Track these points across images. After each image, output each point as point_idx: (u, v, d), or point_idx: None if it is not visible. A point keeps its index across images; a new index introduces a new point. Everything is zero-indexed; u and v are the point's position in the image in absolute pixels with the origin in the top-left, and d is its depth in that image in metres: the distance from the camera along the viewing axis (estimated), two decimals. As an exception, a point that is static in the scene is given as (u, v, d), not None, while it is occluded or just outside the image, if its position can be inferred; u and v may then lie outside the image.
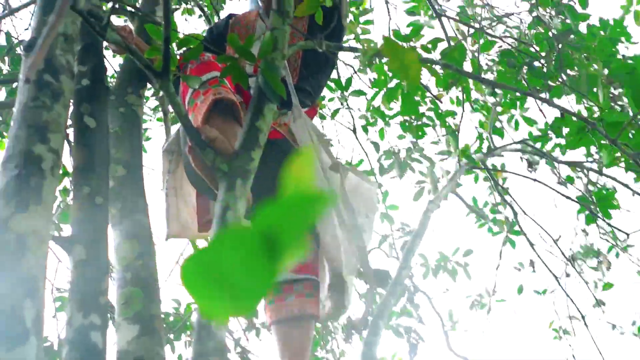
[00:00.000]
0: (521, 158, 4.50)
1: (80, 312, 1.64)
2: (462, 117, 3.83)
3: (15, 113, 1.64)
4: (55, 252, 3.34)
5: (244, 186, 1.70)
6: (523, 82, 3.09)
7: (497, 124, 4.64)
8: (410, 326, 4.13)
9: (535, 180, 4.31)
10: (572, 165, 4.28)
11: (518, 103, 4.29)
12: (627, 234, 4.35)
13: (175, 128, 2.75)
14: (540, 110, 3.37)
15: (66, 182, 3.74)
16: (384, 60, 2.03)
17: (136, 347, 1.84)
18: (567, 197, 4.28)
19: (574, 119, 2.67)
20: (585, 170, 4.38)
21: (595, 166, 4.21)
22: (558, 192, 4.27)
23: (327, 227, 2.15)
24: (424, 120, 4.38)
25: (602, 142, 2.75)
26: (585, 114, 3.47)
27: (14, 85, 3.99)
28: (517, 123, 4.46)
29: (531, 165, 4.39)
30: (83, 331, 1.63)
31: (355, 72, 4.97)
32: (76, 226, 1.76)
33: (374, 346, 2.90)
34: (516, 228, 4.76)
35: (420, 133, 4.47)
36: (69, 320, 1.64)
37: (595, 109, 3.25)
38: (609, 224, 4.34)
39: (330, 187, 2.17)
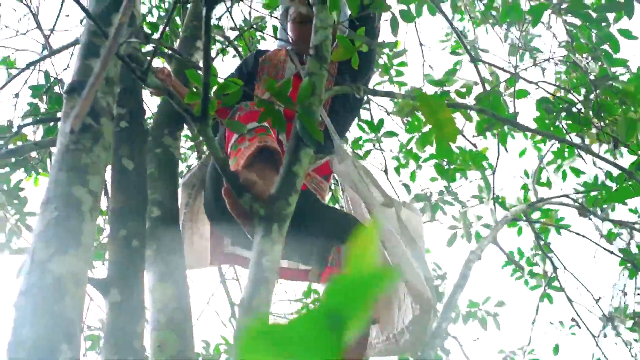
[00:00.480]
0: (576, 203, 4.40)
1: (115, 355, 1.63)
2: (497, 162, 3.81)
3: (55, 155, 1.66)
4: (87, 291, 3.35)
5: (280, 231, 1.69)
6: (561, 127, 3.08)
7: (544, 174, 4.57)
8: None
9: (578, 233, 4.23)
10: (617, 223, 4.20)
11: (566, 152, 4.23)
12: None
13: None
14: (580, 156, 3.33)
15: (99, 220, 3.77)
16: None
17: (168, 391, 1.83)
18: (610, 252, 4.19)
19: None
20: (629, 229, 4.28)
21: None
22: (600, 246, 4.18)
23: (405, 264, 2.12)
24: (458, 162, 4.36)
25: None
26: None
27: (51, 123, 4.06)
28: (564, 174, 4.39)
29: (583, 213, 4.30)
30: (117, 375, 1.62)
31: (388, 114, 4.98)
32: (112, 269, 1.77)
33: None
34: (555, 283, 4.64)
35: (452, 176, 4.45)
36: (104, 364, 1.64)
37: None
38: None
39: (386, 223, 2.15)
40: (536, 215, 4.71)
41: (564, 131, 3.36)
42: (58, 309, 1.38)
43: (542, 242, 4.60)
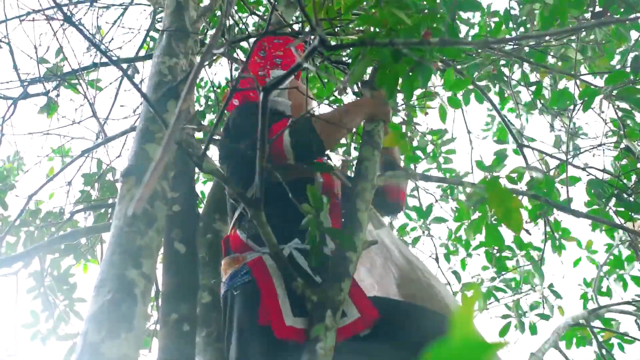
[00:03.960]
0: (636, 322, 4.26)
1: None
2: (543, 248, 3.73)
3: (110, 238, 1.66)
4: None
5: (334, 317, 1.66)
6: (611, 214, 3.02)
7: (604, 282, 4.47)
8: None
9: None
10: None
11: (626, 264, 4.15)
12: None
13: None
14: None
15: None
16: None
17: None
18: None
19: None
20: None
21: None
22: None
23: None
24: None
25: None
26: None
27: (102, 210, 4.11)
28: (625, 283, 4.28)
29: None
30: None
31: (437, 201, 4.96)
32: (163, 353, 1.75)
33: None
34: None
35: (503, 264, 4.38)
36: None
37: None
38: None
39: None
40: (597, 324, 4.54)
41: (614, 219, 3.29)
42: (109, 394, 1.35)
43: (604, 352, 4.40)
